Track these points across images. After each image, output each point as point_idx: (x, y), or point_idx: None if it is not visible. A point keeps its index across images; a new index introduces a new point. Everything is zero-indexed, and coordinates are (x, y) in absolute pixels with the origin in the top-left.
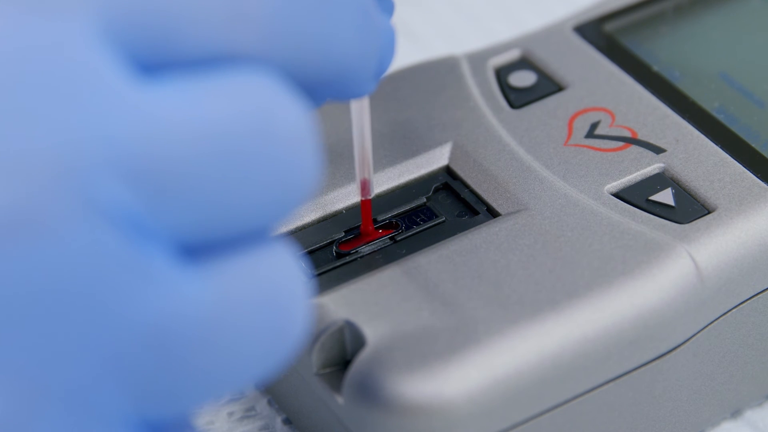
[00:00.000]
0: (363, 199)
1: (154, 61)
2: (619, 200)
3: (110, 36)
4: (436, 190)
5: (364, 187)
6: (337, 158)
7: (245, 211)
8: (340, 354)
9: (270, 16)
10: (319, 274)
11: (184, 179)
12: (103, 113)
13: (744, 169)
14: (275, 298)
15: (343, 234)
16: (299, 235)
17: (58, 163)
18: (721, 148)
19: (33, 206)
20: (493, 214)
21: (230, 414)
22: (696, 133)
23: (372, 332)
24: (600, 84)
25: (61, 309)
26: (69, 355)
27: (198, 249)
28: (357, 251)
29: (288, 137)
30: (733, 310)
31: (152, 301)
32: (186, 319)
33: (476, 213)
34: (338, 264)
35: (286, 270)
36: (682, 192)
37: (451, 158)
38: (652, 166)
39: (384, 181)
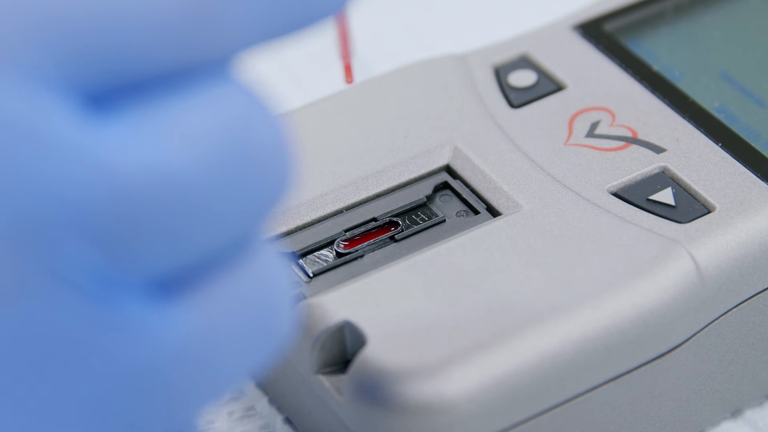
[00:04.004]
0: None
1: (106, 88)
2: (619, 200)
3: (47, 76)
4: (437, 189)
5: (347, 71)
6: (337, 157)
7: (218, 237)
8: (340, 354)
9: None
10: (319, 274)
11: (149, 226)
12: (56, 173)
13: (744, 168)
14: (260, 308)
15: (343, 234)
16: (299, 235)
17: (13, 234)
18: (721, 147)
19: None
20: (493, 213)
21: (230, 413)
22: (696, 132)
23: (372, 332)
24: (600, 83)
25: (36, 374)
26: (50, 416)
27: (175, 280)
28: (357, 251)
29: (262, 158)
30: (734, 310)
31: (129, 350)
32: (169, 354)
33: (476, 212)
34: (338, 264)
35: (268, 276)
36: (683, 191)
37: (451, 157)
38: (653, 166)
39: (384, 181)
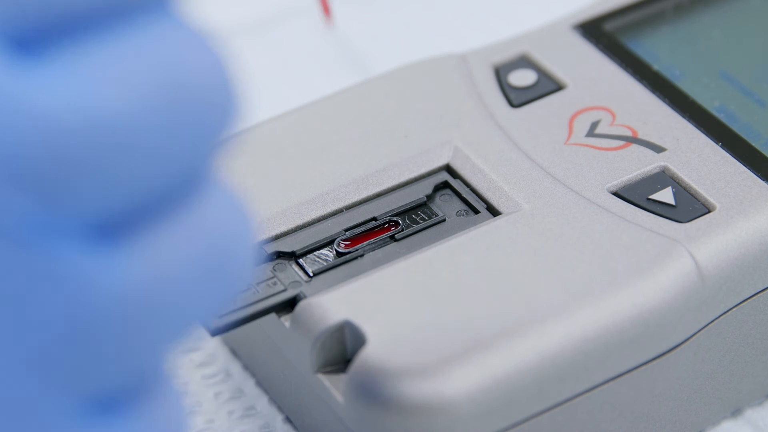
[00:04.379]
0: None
1: (34, 32)
2: (619, 199)
3: None
4: (437, 188)
5: (324, 7)
6: (337, 157)
7: (158, 178)
8: (340, 354)
9: None
10: (319, 274)
11: (81, 169)
12: None
13: (745, 168)
14: (213, 250)
15: (344, 233)
16: (299, 234)
17: None
18: (721, 147)
19: None
20: (493, 212)
21: (230, 413)
22: (696, 131)
23: (372, 331)
24: (600, 83)
25: None
26: None
27: (117, 225)
28: (357, 250)
29: (202, 95)
30: (734, 309)
31: (67, 299)
32: (112, 301)
33: (476, 212)
34: (338, 263)
35: (222, 216)
36: (683, 191)
37: (451, 157)
38: (653, 165)
39: (384, 180)
